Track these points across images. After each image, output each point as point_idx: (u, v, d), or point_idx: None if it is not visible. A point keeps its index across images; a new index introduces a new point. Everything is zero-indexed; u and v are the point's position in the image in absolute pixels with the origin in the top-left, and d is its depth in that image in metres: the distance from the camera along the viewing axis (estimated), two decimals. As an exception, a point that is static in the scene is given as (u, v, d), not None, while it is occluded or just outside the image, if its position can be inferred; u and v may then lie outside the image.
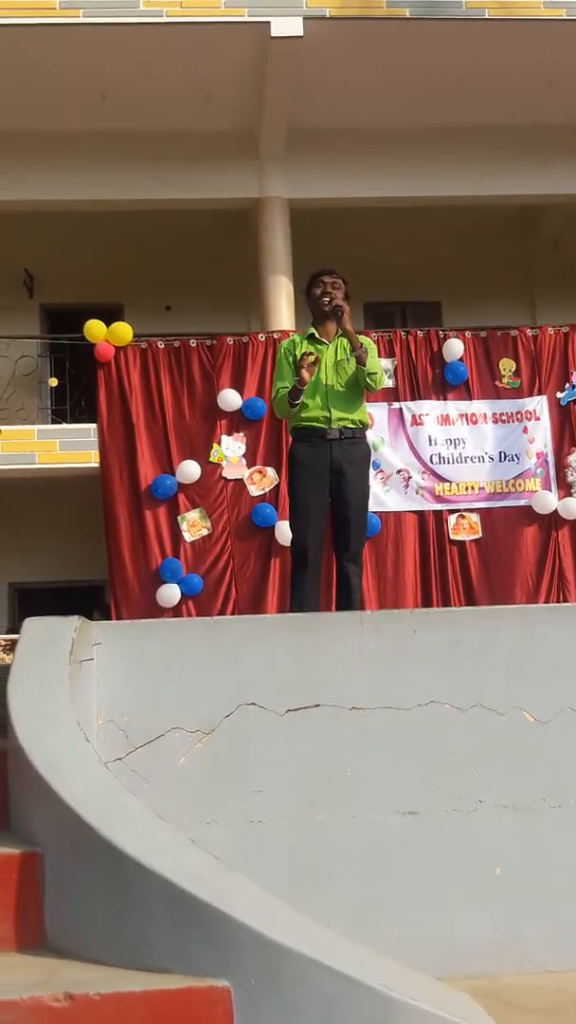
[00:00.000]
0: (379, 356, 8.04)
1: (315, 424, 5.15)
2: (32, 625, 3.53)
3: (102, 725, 3.37)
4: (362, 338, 5.29)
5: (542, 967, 3.29)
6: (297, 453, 5.24)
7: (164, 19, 11.03)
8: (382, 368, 5.31)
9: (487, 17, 11.30)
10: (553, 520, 8.16)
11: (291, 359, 5.23)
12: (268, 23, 10.90)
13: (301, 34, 10.86)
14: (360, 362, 5.13)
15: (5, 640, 10.62)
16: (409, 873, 3.35)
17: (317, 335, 5.27)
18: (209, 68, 11.33)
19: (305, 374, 5.07)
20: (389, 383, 8.02)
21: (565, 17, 11.36)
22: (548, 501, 8.13)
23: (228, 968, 2.44)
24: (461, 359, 8.23)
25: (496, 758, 3.47)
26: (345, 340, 5.23)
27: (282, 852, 3.32)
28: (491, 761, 3.46)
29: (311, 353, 5.15)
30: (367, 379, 5.17)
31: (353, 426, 5.18)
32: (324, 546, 5.29)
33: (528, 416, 8.28)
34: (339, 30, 11.08)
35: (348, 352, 5.20)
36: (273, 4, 11.24)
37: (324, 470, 5.12)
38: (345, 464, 5.13)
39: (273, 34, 10.87)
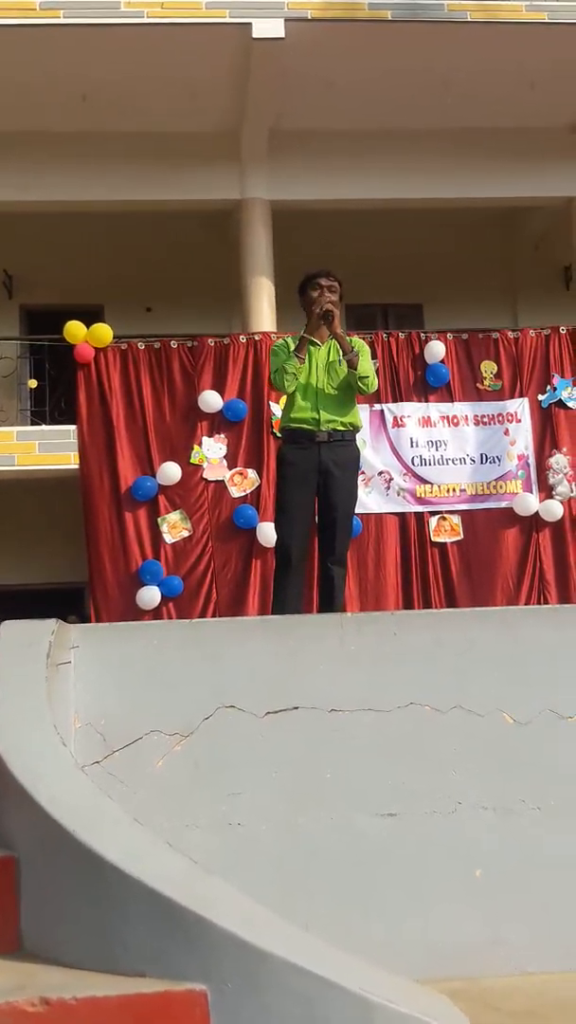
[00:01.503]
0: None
1: (304, 426, 5.13)
2: (8, 629, 3.51)
3: (79, 728, 3.34)
4: (355, 340, 5.27)
5: (523, 969, 3.28)
6: (286, 454, 5.21)
7: (145, 20, 11.01)
8: (374, 371, 5.29)
9: (469, 20, 11.33)
10: (534, 522, 8.19)
11: (285, 350, 5.19)
12: (250, 24, 10.90)
13: (283, 36, 10.86)
14: (351, 366, 5.10)
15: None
16: (390, 875, 3.34)
17: (309, 336, 5.23)
18: (191, 69, 11.31)
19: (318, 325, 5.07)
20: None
21: (547, 20, 11.40)
22: (529, 503, 8.15)
23: (206, 972, 2.42)
24: (443, 361, 8.25)
25: (476, 760, 3.46)
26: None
27: (262, 855, 3.30)
28: (471, 763, 3.46)
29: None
30: (359, 383, 5.15)
31: (343, 428, 5.17)
32: (308, 548, 5.28)
33: (510, 418, 8.31)
34: (321, 32, 11.09)
35: (340, 355, 5.19)
36: (254, 6, 11.24)
37: (312, 472, 5.10)
38: (333, 466, 5.11)
39: (255, 35, 10.87)
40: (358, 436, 8.08)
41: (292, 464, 5.15)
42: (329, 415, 5.13)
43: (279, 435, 5.48)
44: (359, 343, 5.30)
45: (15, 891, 2.79)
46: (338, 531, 5.16)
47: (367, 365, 5.20)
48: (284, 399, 5.37)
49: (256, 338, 8.26)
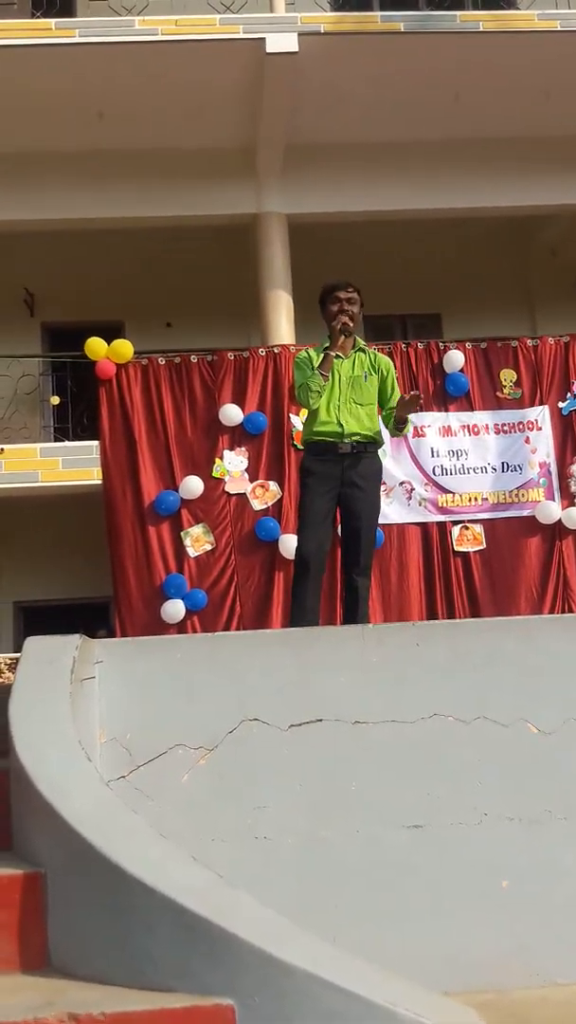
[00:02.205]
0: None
1: (328, 438, 5.15)
2: (33, 644, 3.53)
3: (104, 743, 3.36)
4: (382, 359, 5.35)
5: (550, 980, 3.27)
6: (309, 466, 5.23)
7: (160, 37, 11.10)
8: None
9: (481, 31, 11.37)
10: (557, 530, 8.15)
11: (309, 364, 5.21)
12: (263, 40, 10.97)
13: (296, 50, 10.93)
14: (399, 426, 5.22)
15: (9, 659, 10.61)
16: (415, 887, 3.33)
17: (332, 350, 5.23)
18: (205, 85, 11.39)
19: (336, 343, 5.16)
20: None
21: (560, 29, 11.42)
22: (551, 511, 8.11)
23: (232, 986, 2.43)
24: (462, 370, 8.23)
25: (501, 770, 3.45)
26: (364, 357, 5.26)
27: (287, 868, 3.30)
28: (496, 773, 3.45)
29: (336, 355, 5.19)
30: (396, 428, 5.26)
31: (366, 441, 5.19)
32: (327, 556, 5.29)
33: (530, 426, 8.28)
34: (334, 46, 11.14)
35: (368, 369, 5.22)
36: (268, 21, 11.33)
37: (335, 483, 5.12)
38: (357, 478, 5.14)
39: (268, 51, 10.94)
40: (378, 446, 8.18)
41: (315, 475, 5.17)
42: (353, 428, 5.14)
43: (302, 447, 5.49)
44: (387, 363, 5.33)
45: (42, 907, 2.81)
46: (363, 543, 5.16)
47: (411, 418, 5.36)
48: (305, 411, 5.40)
49: (275, 351, 8.28)
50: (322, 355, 5.20)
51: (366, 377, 5.19)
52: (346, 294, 5.24)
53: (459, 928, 3.31)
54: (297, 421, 7.80)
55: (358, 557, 5.17)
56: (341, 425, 5.12)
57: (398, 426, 5.25)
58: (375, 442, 5.25)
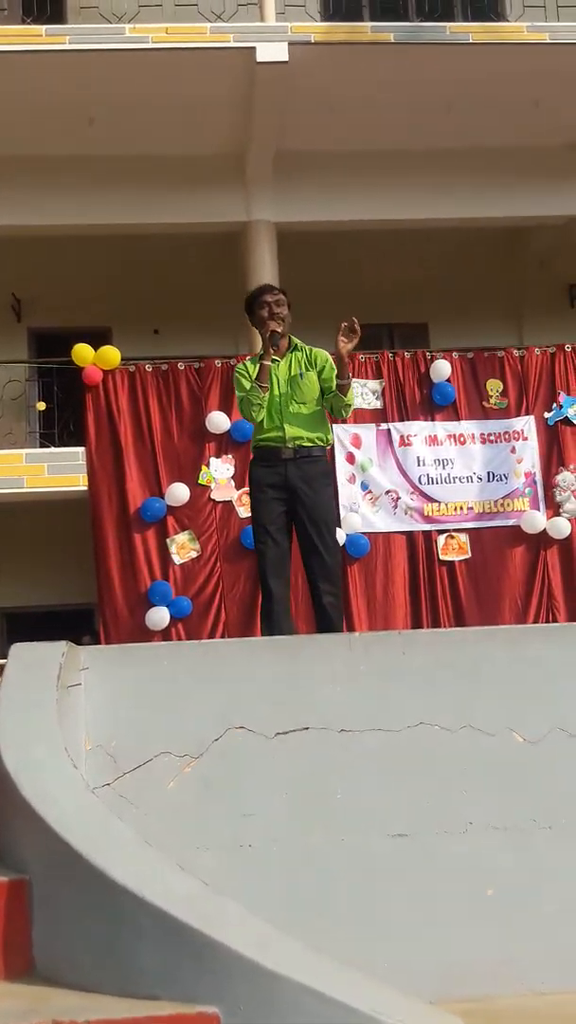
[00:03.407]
0: (367, 377, 8.09)
1: (271, 444, 5.02)
2: (19, 651, 3.52)
3: (90, 750, 3.35)
4: (319, 352, 5.19)
5: (535, 989, 3.27)
6: (254, 474, 5.10)
7: (150, 45, 11.13)
8: (371, 390, 5.27)
9: (471, 42, 11.42)
10: (542, 540, 8.17)
11: (247, 375, 5.08)
12: (254, 48, 11.00)
13: (286, 59, 10.96)
14: (342, 391, 5.02)
15: (-6, 665, 10.56)
16: (401, 896, 3.33)
17: (268, 361, 5.07)
18: (196, 93, 11.41)
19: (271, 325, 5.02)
20: (377, 404, 8.05)
21: (548, 41, 11.48)
22: (537, 521, 8.14)
23: (218, 994, 2.43)
24: (448, 380, 8.26)
25: (486, 779, 3.46)
26: (300, 355, 5.12)
27: (273, 876, 3.30)
28: (481, 782, 3.45)
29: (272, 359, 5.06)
30: (341, 408, 5.09)
31: (310, 444, 5.03)
32: (289, 571, 5.10)
33: (516, 436, 8.30)
34: (324, 55, 11.19)
35: (304, 366, 5.08)
36: (258, 30, 11.37)
37: (281, 490, 4.98)
38: (301, 483, 4.97)
39: (259, 59, 10.96)
40: (364, 456, 8.19)
41: (261, 482, 5.03)
42: (295, 431, 5.01)
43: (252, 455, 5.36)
44: (323, 356, 5.17)
45: (27, 914, 2.80)
46: (321, 549, 4.99)
47: (351, 394, 5.12)
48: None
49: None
50: (258, 365, 5.08)
51: (303, 375, 5.06)
52: (273, 297, 5.15)
53: (444, 936, 3.31)
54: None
55: (319, 564, 4.99)
56: (282, 429, 4.99)
57: (340, 390, 5.00)
58: (319, 444, 5.10)
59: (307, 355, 5.17)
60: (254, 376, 5.05)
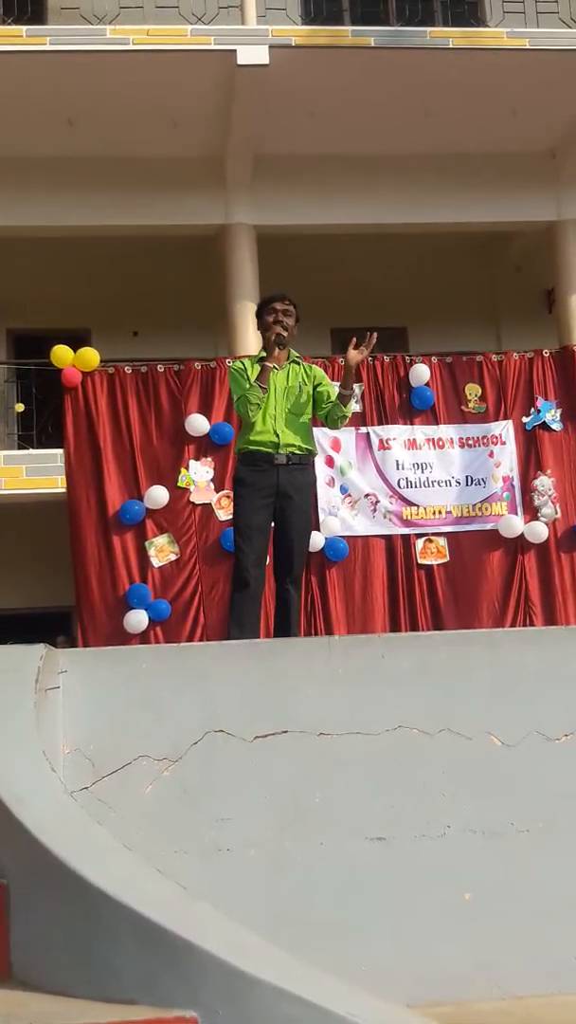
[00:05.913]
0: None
1: (263, 449, 5.10)
2: (-3, 653, 3.50)
3: (68, 754, 3.34)
4: (315, 370, 5.30)
5: (512, 993, 3.28)
6: (243, 476, 5.17)
7: (131, 47, 11.10)
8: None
9: (451, 47, 11.45)
10: (519, 544, 8.21)
11: (245, 376, 5.17)
12: (234, 51, 10.99)
13: (267, 63, 10.96)
14: (343, 400, 5.15)
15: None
16: (379, 899, 3.34)
17: (268, 361, 5.18)
18: (176, 96, 11.39)
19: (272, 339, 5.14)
20: (356, 408, 8.07)
21: (528, 47, 11.53)
22: (514, 525, 8.18)
23: (196, 998, 2.42)
24: (427, 384, 8.29)
25: (464, 783, 3.47)
26: (298, 367, 5.22)
27: (251, 880, 3.30)
28: (460, 786, 3.46)
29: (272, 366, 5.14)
30: (337, 420, 5.20)
31: (300, 452, 5.14)
32: (265, 571, 5.21)
33: (494, 440, 8.35)
34: (305, 59, 11.18)
35: (302, 380, 5.18)
36: (239, 33, 11.37)
37: (270, 494, 5.08)
38: (291, 490, 5.09)
39: (239, 62, 10.96)
40: (343, 459, 8.21)
41: (250, 486, 5.11)
42: (288, 439, 5.10)
43: (236, 456, 5.42)
44: (320, 372, 5.29)
45: (4, 918, 2.78)
46: (295, 554, 5.15)
47: (350, 406, 5.27)
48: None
49: (242, 362, 8.30)
50: (259, 366, 5.17)
51: (300, 388, 5.16)
52: (282, 306, 5.25)
53: (422, 940, 3.31)
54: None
55: (291, 568, 5.16)
56: (277, 435, 5.08)
57: (341, 399, 5.15)
58: (309, 454, 5.22)
59: (305, 371, 5.28)
60: (252, 376, 5.13)
